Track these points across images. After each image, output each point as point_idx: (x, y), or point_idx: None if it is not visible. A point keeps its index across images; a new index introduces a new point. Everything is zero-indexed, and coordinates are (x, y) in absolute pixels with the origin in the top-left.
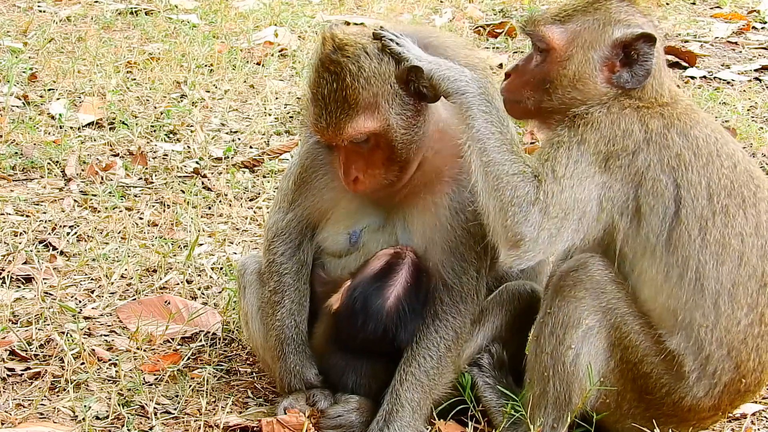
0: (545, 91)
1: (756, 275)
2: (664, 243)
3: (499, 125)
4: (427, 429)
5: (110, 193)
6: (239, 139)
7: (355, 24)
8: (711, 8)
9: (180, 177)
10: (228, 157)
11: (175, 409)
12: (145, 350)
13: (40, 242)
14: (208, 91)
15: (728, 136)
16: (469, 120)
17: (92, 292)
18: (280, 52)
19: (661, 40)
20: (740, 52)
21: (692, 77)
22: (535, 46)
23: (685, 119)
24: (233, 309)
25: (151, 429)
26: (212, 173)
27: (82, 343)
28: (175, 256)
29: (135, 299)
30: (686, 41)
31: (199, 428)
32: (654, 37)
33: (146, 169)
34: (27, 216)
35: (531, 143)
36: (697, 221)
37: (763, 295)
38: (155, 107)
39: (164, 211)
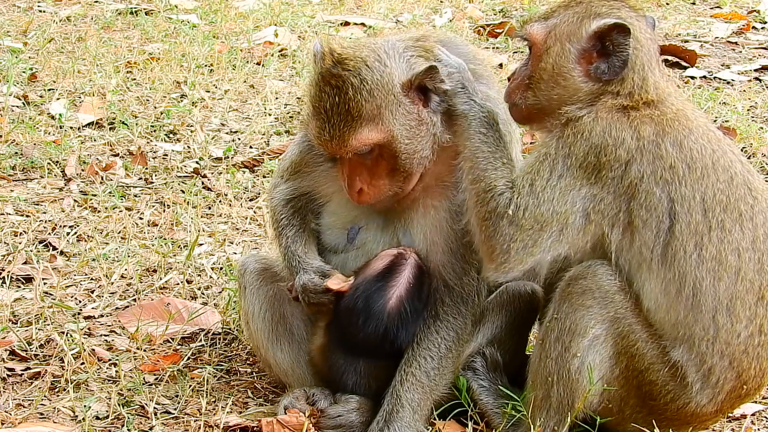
0: (530, 89)
1: (753, 289)
2: (660, 258)
3: (494, 146)
4: (428, 429)
5: (110, 193)
6: (239, 139)
7: (355, 24)
8: (711, 8)
9: (180, 177)
10: (228, 157)
11: (175, 409)
12: (145, 350)
13: (40, 242)
14: (208, 91)
15: (725, 145)
16: (466, 140)
17: (92, 292)
18: (280, 52)
19: (647, 34)
20: (740, 52)
21: (692, 77)
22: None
23: (678, 127)
24: (233, 309)
25: (151, 429)
26: (212, 173)
27: (82, 343)
28: (175, 256)
29: (135, 299)
30: (686, 41)
31: (199, 428)
32: (627, 27)
33: (146, 169)
34: (27, 216)
35: (531, 143)
36: (692, 237)
37: (761, 307)
38: (155, 107)
39: (164, 211)
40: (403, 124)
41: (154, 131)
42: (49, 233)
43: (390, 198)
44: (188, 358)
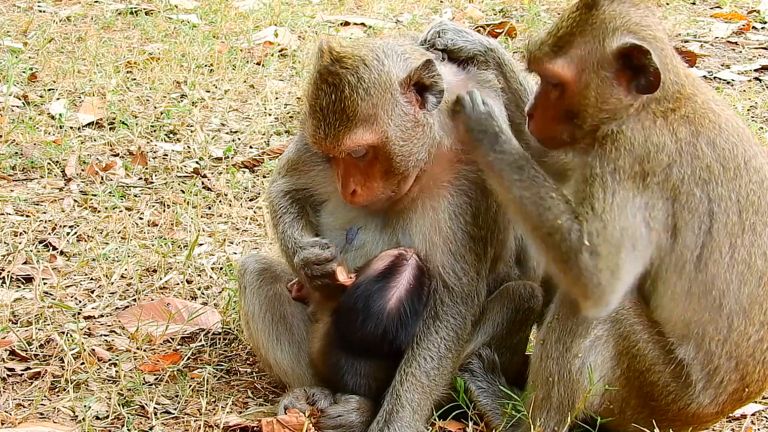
0: (575, 123)
1: None
2: (696, 260)
3: (530, 179)
4: (428, 429)
5: (110, 193)
6: (239, 139)
7: (355, 24)
8: (711, 8)
9: (180, 177)
10: (228, 157)
11: (175, 409)
12: (145, 350)
13: (40, 242)
14: (208, 91)
15: (754, 145)
16: (503, 189)
17: (92, 292)
18: (280, 52)
19: (659, 26)
20: (740, 52)
21: None
22: (546, 81)
23: (709, 125)
24: (233, 309)
25: (151, 429)
26: (212, 173)
27: (82, 343)
28: (175, 256)
29: (135, 299)
30: (686, 41)
31: (199, 428)
32: (644, 48)
33: (146, 169)
34: (27, 216)
35: None
36: (728, 238)
37: None
38: (155, 107)
39: (164, 211)
40: (399, 126)
41: (154, 131)
42: (49, 233)
43: (386, 200)
44: (188, 358)
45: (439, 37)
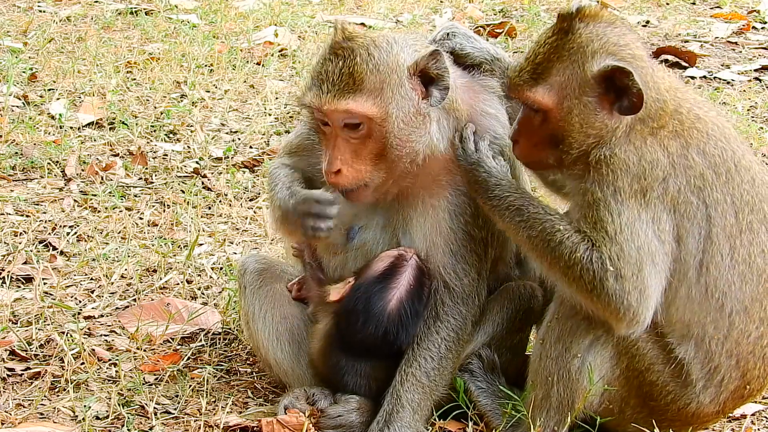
0: (560, 148)
1: None
2: (698, 265)
3: (536, 219)
4: (428, 429)
5: (110, 193)
6: (239, 139)
7: (355, 24)
8: (711, 8)
9: (180, 177)
10: (228, 157)
11: (175, 409)
12: (145, 350)
13: (40, 242)
14: (208, 91)
15: (741, 144)
16: (512, 232)
17: (92, 292)
18: (280, 52)
19: (638, 43)
20: (740, 52)
21: (692, 77)
22: (528, 107)
23: (697, 134)
24: (233, 309)
25: (151, 429)
26: (212, 173)
27: (82, 343)
28: (175, 256)
29: (135, 299)
30: (686, 41)
31: (199, 428)
32: (626, 70)
33: (146, 169)
34: (27, 216)
35: None
36: (728, 240)
37: None
38: (155, 107)
39: (164, 211)
40: (401, 107)
41: (154, 131)
42: (49, 233)
43: (369, 193)
44: (188, 358)
45: (447, 39)
